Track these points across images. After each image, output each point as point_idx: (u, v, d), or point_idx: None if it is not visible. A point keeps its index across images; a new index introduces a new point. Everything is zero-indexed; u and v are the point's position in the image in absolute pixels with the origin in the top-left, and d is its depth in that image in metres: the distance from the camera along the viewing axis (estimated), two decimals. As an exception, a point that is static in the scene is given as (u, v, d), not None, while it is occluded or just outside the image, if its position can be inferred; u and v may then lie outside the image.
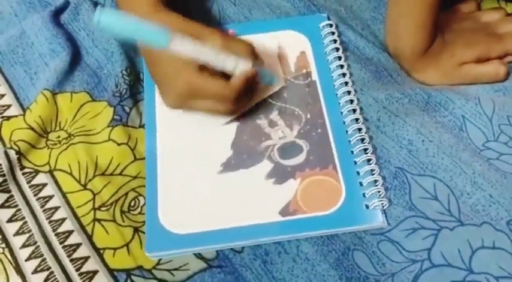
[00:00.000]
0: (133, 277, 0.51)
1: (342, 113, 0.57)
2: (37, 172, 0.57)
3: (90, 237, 0.53)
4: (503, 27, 0.62)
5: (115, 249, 0.52)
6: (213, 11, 0.68)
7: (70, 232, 0.53)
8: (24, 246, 0.53)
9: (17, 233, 0.54)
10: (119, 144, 0.58)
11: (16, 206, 0.55)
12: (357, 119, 0.56)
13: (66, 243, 0.53)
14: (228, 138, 0.57)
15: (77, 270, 0.51)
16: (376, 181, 0.53)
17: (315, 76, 0.61)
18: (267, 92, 0.60)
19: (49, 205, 0.55)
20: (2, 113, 0.61)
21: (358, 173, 0.54)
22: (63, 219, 0.54)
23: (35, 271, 0.51)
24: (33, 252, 0.52)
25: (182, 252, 0.51)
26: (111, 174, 0.56)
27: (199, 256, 0.52)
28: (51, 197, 0.55)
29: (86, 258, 0.52)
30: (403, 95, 0.58)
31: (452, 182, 0.53)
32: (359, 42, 0.63)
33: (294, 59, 0.62)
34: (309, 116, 0.58)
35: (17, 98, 0.62)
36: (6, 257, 0.52)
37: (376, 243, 0.51)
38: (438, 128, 0.56)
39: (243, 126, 0.58)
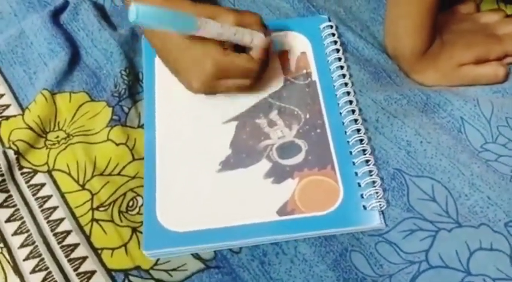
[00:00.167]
0: (131, 277, 0.51)
1: (341, 113, 0.57)
2: (36, 172, 0.57)
3: (88, 237, 0.53)
4: (502, 29, 0.61)
5: (113, 249, 0.52)
6: (213, 11, 0.68)
7: (68, 232, 0.53)
8: (22, 246, 0.53)
9: (15, 233, 0.54)
10: (117, 145, 0.58)
11: (14, 205, 0.55)
12: (355, 120, 0.56)
13: (64, 243, 0.53)
14: (227, 137, 0.57)
15: (75, 270, 0.51)
16: (374, 182, 0.53)
17: (315, 76, 0.61)
18: (267, 91, 0.60)
19: (47, 205, 0.55)
20: (1, 113, 0.61)
21: (356, 173, 0.54)
22: (62, 219, 0.54)
23: (33, 271, 0.51)
24: (31, 252, 0.52)
25: (179, 251, 0.51)
26: (110, 175, 0.56)
27: (197, 256, 0.52)
28: (49, 196, 0.55)
29: (84, 258, 0.52)
30: (402, 96, 0.58)
31: (450, 183, 0.53)
32: (358, 43, 0.63)
33: (294, 59, 0.62)
34: (308, 116, 0.58)
35: (16, 98, 0.62)
36: (5, 257, 0.52)
37: (374, 245, 0.51)
38: (437, 129, 0.56)
39: (242, 126, 0.58)
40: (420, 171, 0.54)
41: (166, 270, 0.51)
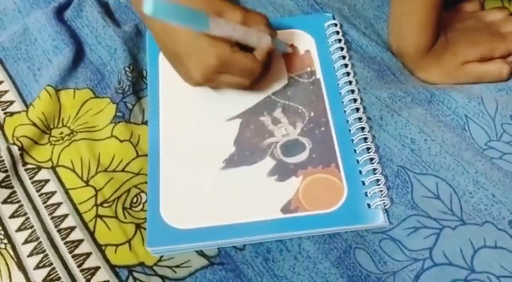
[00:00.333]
0: (135, 273, 0.51)
1: (345, 111, 0.57)
2: (39, 168, 0.57)
3: (92, 234, 0.53)
4: (506, 27, 0.61)
5: (117, 245, 0.52)
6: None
7: (72, 228, 0.53)
8: (26, 242, 0.53)
9: (19, 229, 0.54)
10: (121, 141, 0.58)
11: (18, 201, 0.55)
12: (360, 118, 0.56)
13: (68, 239, 0.53)
14: (231, 135, 0.57)
15: (79, 266, 0.51)
16: (378, 180, 0.53)
17: (319, 74, 0.61)
18: (271, 89, 0.60)
19: (51, 201, 0.55)
20: (5, 109, 0.61)
21: (360, 171, 0.54)
22: (66, 215, 0.54)
23: (37, 267, 0.51)
24: (35, 248, 0.52)
25: (182, 248, 0.51)
26: (114, 171, 0.56)
27: (200, 253, 0.52)
28: (53, 193, 0.55)
29: (88, 255, 0.52)
30: (406, 93, 0.58)
31: (454, 181, 0.53)
32: (362, 41, 0.63)
33: (298, 57, 0.62)
34: (312, 114, 0.58)
35: (20, 94, 0.62)
36: (9, 253, 0.52)
37: (378, 242, 0.51)
38: (441, 127, 0.56)
39: (246, 123, 0.58)
40: (424, 168, 0.54)
41: (170, 267, 0.51)
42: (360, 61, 0.61)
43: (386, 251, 0.50)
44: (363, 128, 0.56)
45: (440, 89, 0.58)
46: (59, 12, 0.67)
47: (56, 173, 0.57)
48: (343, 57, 0.61)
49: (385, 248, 0.51)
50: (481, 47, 0.59)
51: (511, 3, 0.65)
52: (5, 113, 0.61)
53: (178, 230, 0.51)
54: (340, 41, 0.62)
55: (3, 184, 0.55)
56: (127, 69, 0.62)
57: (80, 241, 0.53)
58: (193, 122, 0.58)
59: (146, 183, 0.55)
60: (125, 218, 0.54)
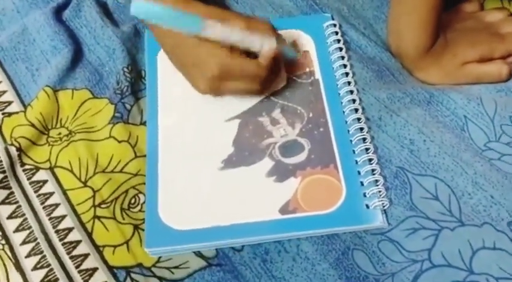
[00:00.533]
0: (132, 274, 0.51)
1: (344, 112, 0.57)
2: (37, 169, 0.57)
3: (90, 235, 0.53)
4: (506, 28, 0.61)
5: (115, 246, 0.52)
6: (216, 9, 0.68)
7: (70, 229, 0.53)
8: (24, 242, 0.53)
9: (17, 230, 0.54)
10: (119, 142, 0.58)
11: (16, 202, 0.55)
12: (358, 119, 0.56)
13: (66, 240, 0.53)
14: (229, 135, 0.57)
15: (77, 267, 0.51)
16: (377, 181, 0.53)
17: (318, 75, 0.60)
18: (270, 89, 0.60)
19: (49, 202, 0.55)
20: (3, 110, 0.61)
21: (359, 172, 0.54)
22: (63, 216, 0.54)
23: (35, 268, 0.51)
24: (33, 249, 0.52)
25: (181, 249, 0.51)
26: (112, 172, 0.56)
27: (199, 254, 0.52)
28: (51, 193, 0.55)
29: (86, 256, 0.52)
30: (405, 94, 0.58)
31: (453, 182, 0.53)
32: (361, 41, 0.63)
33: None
34: (311, 114, 0.58)
35: (18, 95, 0.62)
36: (6, 254, 0.52)
37: (377, 243, 0.51)
38: (440, 127, 0.56)
39: (245, 124, 0.58)
40: (423, 169, 0.54)
41: (168, 268, 0.51)
42: (359, 61, 0.61)
43: (384, 253, 0.50)
44: (361, 129, 0.56)
45: (440, 90, 0.58)
46: (58, 12, 0.67)
47: (54, 173, 0.56)
48: (342, 58, 0.61)
49: (383, 249, 0.50)
50: (481, 47, 0.59)
51: (511, 4, 0.65)
52: (3, 114, 0.61)
53: (176, 231, 0.51)
54: (339, 41, 0.62)
55: (1, 185, 0.55)
56: (125, 69, 0.62)
57: (78, 242, 0.53)
58: (192, 122, 0.58)
59: (144, 184, 0.55)
60: (123, 219, 0.53)
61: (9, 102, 0.62)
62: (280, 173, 0.54)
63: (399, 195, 0.53)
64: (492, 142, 0.55)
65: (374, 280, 0.49)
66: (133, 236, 0.53)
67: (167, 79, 0.60)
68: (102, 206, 0.54)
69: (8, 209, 0.55)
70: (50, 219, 0.54)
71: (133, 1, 0.46)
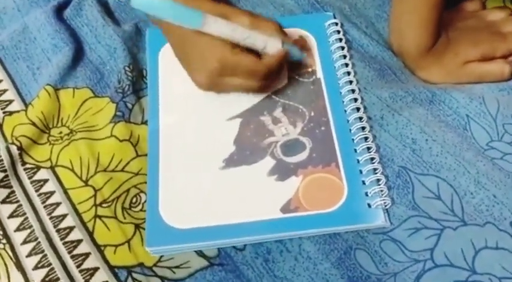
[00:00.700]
0: (134, 274, 0.51)
1: (345, 111, 0.57)
2: (38, 168, 0.57)
3: (91, 234, 0.53)
4: (508, 26, 0.61)
5: (116, 246, 0.52)
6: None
7: (71, 228, 0.53)
8: (25, 242, 0.53)
9: (17, 229, 0.53)
10: (120, 141, 0.58)
11: (17, 201, 0.55)
12: (360, 118, 0.56)
13: (67, 240, 0.53)
14: (231, 134, 0.57)
15: (78, 266, 0.51)
16: (378, 180, 0.53)
17: (319, 74, 0.60)
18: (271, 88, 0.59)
19: (50, 201, 0.55)
20: (4, 108, 0.61)
21: (360, 171, 0.53)
22: (64, 216, 0.54)
23: (36, 267, 0.51)
24: (33, 248, 0.52)
25: (182, 248, 0.51)
26: (113, 171, 0.56)
27: (200, 254, 0.51)
28: (52, 193, 0.55)
29: (87, 255, 0.52)
30: (407, 93, 0.58)
31: (455, 181, 0.53)
32: (363, 40, 0.63)
33: None
34: (312, 113, 0.58)
35: (19, 94, 0.62)
36: (7, 253, 0.52)
37: (379, 243, 0.51)
38: (442, 127, 0.56)
39: (246, 123, 0.57)
40: (425, 169, 0.54)
41: (169, 268, 0.51)
42: (361, 60, 0.61)
43: (387, 252, 0.50)
44: (363, 128, 0.56)
45: (442, 89, 0.58)
46: (59, 11, 0.67)
47: (55, 172, 0.56)
48: (344, 57, 0.61)
49: (385, 248, 0.50)
50: (482, 46, 0.59)
51: (513, 3, 0.65)
52: (4, 113, 0.61)
53: (177, 230, 0.51)
54: (340, 40, 0.62)
55: (2, 184, 0.55)
56: (127, 68, 0.62)
57: (79, 241, 0.52)
58: (193, 121, 0.58)
59: (146, 183, 0.55)
60: (124, 218, 0.53)
61: (10, 101, 0.62)
62: (282, 172, 0.54)
63: (401, 194, 0.53)
64: (494, 141, 0.55)
65: (376, 280, 0.49)
66: (134, 236, 0.53)
67: (168, 78, 0.60)
68: (103, 205, 0.54)
69: (9, 208, 0.55)
70: (50, 218, 0.54)
71: None
